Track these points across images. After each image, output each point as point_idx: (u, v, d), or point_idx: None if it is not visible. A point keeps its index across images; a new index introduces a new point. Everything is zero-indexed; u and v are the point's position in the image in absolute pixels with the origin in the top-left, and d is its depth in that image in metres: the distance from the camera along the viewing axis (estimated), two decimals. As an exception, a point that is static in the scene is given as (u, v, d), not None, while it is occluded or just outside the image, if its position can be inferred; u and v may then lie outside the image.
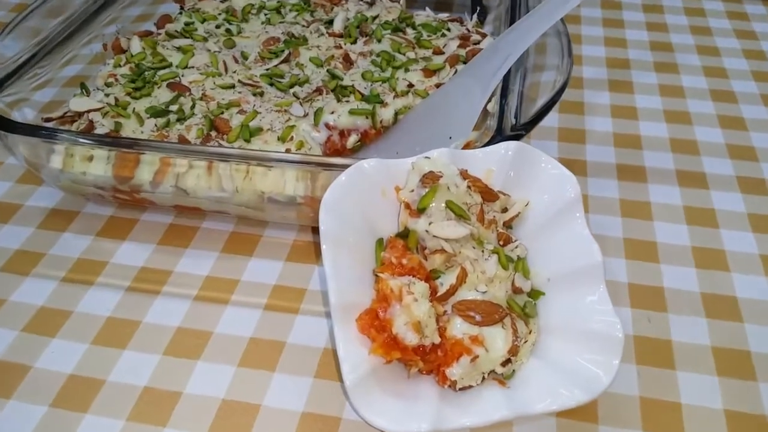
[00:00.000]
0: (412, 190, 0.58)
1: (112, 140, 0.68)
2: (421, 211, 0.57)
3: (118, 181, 0.70)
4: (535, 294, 0.58)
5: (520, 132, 0.65)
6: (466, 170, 0.60)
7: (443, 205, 0.56)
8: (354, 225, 0.58)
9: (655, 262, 0.72)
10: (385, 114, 0.82)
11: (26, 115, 0.78)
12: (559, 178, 0.59)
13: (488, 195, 0.59)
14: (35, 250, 0.74)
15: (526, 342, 0.55)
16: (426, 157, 0.59)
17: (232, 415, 0.58)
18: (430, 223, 0.56)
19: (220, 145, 0.74)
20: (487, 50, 0.77)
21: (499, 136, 0.64)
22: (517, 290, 0.56)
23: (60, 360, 0.62)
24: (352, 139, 0.80)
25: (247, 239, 0.75)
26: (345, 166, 0.60)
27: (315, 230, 0.75)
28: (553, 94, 0.68)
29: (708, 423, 0.58)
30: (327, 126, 0.79)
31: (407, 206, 0.58)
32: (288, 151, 0.74)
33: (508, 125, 0.66)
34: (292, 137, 0.75)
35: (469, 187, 0.58)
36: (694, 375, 0.61)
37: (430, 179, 0.57)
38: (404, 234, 0.58)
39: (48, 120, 0.78)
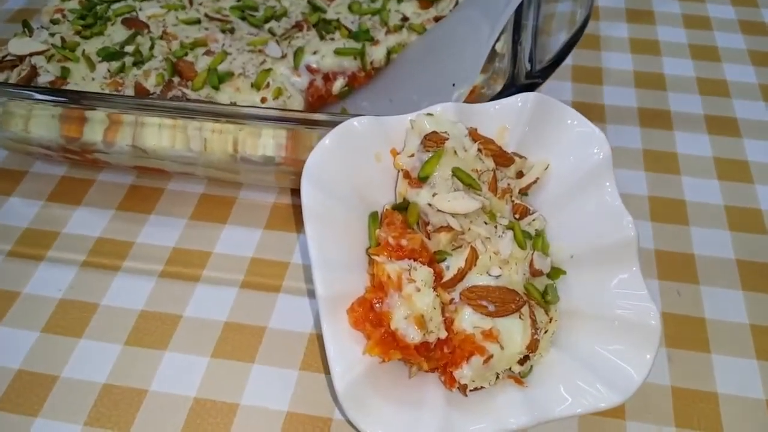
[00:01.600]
0: (412, 155, 0.48)
1: (51, 93, 0.57)
2: (422, 180, 0.47)
3: (65, 140, 0.59)
4: (555, 273, 0.50)
5: (536, 80, 0.55)
6: (476, 129, 0.50)
7: (449, 172, 0.47)
8: (342, 196, 0.48)
9: (684, 224, 0.63)
10: (376, 53, 0.71)
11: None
12: (586, 137, 0.50)
13: (502, 159, 0.49)
14: (-25, 222, 0.64)
15: (546, 332, 0.47)
16: (428, 114, 0.49)
17: (206, 416, 0.50)
18: (433, 195, 0.47)
19: (184, 95, 0.63)
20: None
21: (513, 86, 0.54)
22: (536, 273, 0.48)
23: (5, 353, 0.54)
24: (338, 84, 0.70)
25: (219, 202, 0.65)
26: (332, 124, 0.50)
27: (297, 192, 0.65)
28: (573, 33, 0.58)
29: (749, 415, 0.51)
30: (309, 69, 0.69)
31: (406, 174, 0.48)
32: (264, 100, 0.64)
33: (523, 71, 0.56)
34: (269, 84, 0.65)
35: (479, 150, 0.48)
36: (731, 359, 0.54)
37: (434, 142, 0.47)
38: (403, 206, 0.48)
39: (-19, 65, 0.67)
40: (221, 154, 0.58)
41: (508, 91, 0.53)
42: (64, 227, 0.63)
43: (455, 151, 0.47)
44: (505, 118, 0.51)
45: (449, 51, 0.65)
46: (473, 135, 0.49)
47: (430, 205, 0.47)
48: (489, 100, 0.53)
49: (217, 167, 0.61)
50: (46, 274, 0.59)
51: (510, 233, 0.47)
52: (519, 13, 0.63)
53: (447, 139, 0.47)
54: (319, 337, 0.55)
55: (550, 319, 0.48)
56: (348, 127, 0.49)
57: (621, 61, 0.81)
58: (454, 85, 0.61)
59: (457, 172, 0.47)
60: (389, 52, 0.72)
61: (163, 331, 0.55)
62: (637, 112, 0.74)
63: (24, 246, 0.61)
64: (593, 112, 0.74)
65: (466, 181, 0.47)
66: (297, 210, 0.64)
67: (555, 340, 0.48)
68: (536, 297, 0.47)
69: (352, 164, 0.49)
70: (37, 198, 0.66)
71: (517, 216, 0.49)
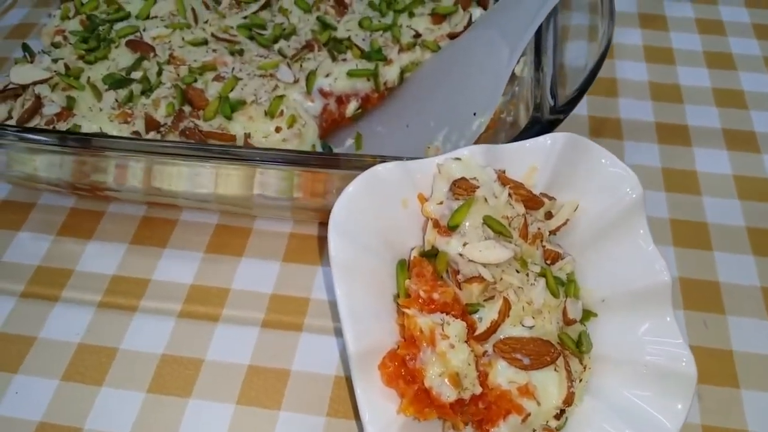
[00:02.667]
0: (441, 202, 0.47)
1: (63, 139, 0.55)
2: (452, 228, 0.46)
3: (75, 180, 0.58)
4: (585, 315, 0.49)
5: (560, 116, 0.53)
6: (504, 171, 0.49)
7: (480, 220, 0.46)
8: (369, 244, 0.47)
9: (708, 249, 0.62)
10: (390, 74, 0.69)
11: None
12: (618, 177, 0.49)
13: (532, 203, 0.48)
14: (-16, 257, 0.62)
15: (580, 381, 0.47)
16: (455, 158, 0.48)
17: (234, 467, 0.50)
18: (464, 244, 0.45)
19: (196, 126, 0.61)
20: (512, -3, 0.64)
21: (538, 123, 0.52)
22: (569, 321, 0.47)
23: (26, 404, 0.53)
24: (351, 107, 0.68)
25: (235, 233, 0.64)
26: (354, 165, 0.49)
27: (314, 221, 0.64)
28: (595, 64, 0.56)
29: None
30: (321, 92, 0.67)
31: (435, 222, 0.47)
32: (278, 129, 0.62)
33: (546, 105, 0.54)
34: (282, 111, 0.63)
35: (509, 195, 0.47)
36: (761, 394, 0.53)
37: (464, 189, 0.46)
38: (431, 254, 0.47)
39: (-16, 97, 0.64)
40: (236, 193, 0.57)
41: (533, 128, 0.52)
42: (77, 264, 0.62)
43: (485, 199, 0.46)
44: (534, 158, 0.50)
45: (466, 73, 0.64)
46: (503, 179, 0.48)
47: (461, 255, 0.45)
48: (514, 138, 0.51)
49: (231, 204, 0.59)
50: (62, 316, 0.58)
51: (542, 281, 0.46)
52: (538, 35, 0.61)
53: (477, 187, 0.46)
54: (347, 380, 0.54)
55: (584, 368, 0.47)
56: (373, 174, 0.48)
57: (635, 70, 0.80)
58: (475, 114, 0.59)
59: (488, 221, 0.46)
60: (402, 71, 0.70)
61: (186, 377, 0.54)
62: (655, 128, 0.73)
63: (37, 286, 0.60)
64: (609, 128, 0.73)
65: (497, 229, 0.46)
66: (315, 240, 0.63)
67: (587, 387, 0.47)
68: (570, 347, 0.46)
69: (379, 211, 0.48)
70: (47, 232, 0.64)
71: (548, 262, 0.48)
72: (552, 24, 0.63)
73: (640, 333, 0.47)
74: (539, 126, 0.52)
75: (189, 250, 0.63)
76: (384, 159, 0.50)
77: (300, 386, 0.54)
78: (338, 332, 0.57)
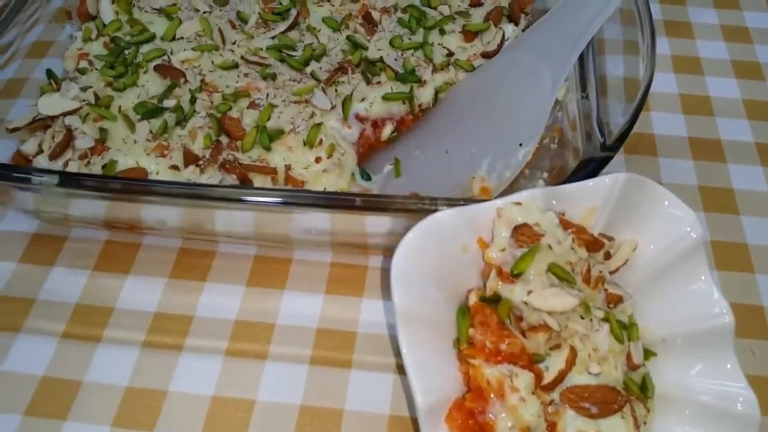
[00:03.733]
0: (503, 249, 0.46)
1: (100, 184, 0.53)
2: (516, 276, 0.46)
3: (112, 220, 0.57)
4: (645, 354, 0.49)
5: (610, 154, 0.52)
6: (563, 214, 0.49)
7: (544, 267, 0.46)
8: (431, 291, 0.47)
9: (750, 272, 0.63)
10: (424, 95, 0.68)
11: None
12: (678, 218, 0.49)
13: (594, 246, 0.48)
14: (21, 295, 0.61)
15: (645, 424, 0.47)
16: (516, 203, 0.47)
17: None
18: (529, 292, 0.45)
19: (235, 159, 0.60)
20: (552, 19, 0.63)
21: (591, 161, 0.52)
22: (633, 366, 0.47)
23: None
24: (387, 130, 0.67)
25: (274, 265, 0.63)
26: (408, 210, 0.49)
27: (353, 250, 0.64)
28: (641, 95, 0.55)
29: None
30: (357, 118, 0.66)
31: (499, 270, 0.46)
32: (318, 160, 0.61)
33: (597, 141, 0.54)
34: (321, 140, 0.62)
35: (572, 240, 0.47)
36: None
37: (528, 237, 0.46)
38: (493, 300, 0.47)
39: (14, 130, 0.63)
40: (282, 233, 0.56)
41: (587, 167, 0.51)
42: (116, 301, 0.60)
43: (550, 246, 0.46)
44: (594, 199, 0.49)
45: (507, 99, 0.63)
46: (564, 223, 0.47)
47: (526, 303, 0.45)
48: (567, 178, 0.51)
49: (273, 240, 0.58)
50: (107, 357, 0.57)
51: (606, 327, 0.46)
52: (582, 64, 0.60)
53: (541, 235, 0.45)
54: (399, 419, 0.54)
55: (648, 410, 0.47)
56: (433, 221, 0.47)
57: (665, 81, 0.79)
58: (521, 144, 0.58)
59: (553, 268, 0.45)
60: (436, 92, 0.69)
61: (238, 420, 0.54)
62: (688, 143, 0.73)
63: (78, 325, 0.59)
64: (644, 144, 0.72)
65: (561, 276, 0.45)
66: (355, 270, 0.62)
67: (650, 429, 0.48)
68: (635, 392, 0.46)
69: (439, 257, 0.47)
70: (82, 267, 0.63)
71: (610, 305, 0.48)
72: (591, 46, 0.62)
73: (701, 373, 0.47)
74: (593, 164, 0.52)
75: (230, 284, 0.62)
76: (436, 201, 0.50)
77: (354, 428, 0.53)
78: (388, 368, 0.56)
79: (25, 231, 0.65)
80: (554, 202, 0.48)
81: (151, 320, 0.59)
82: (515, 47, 0.66)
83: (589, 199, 0.49)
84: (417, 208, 0.49)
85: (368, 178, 0.64)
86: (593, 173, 0.50)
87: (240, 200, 0.51)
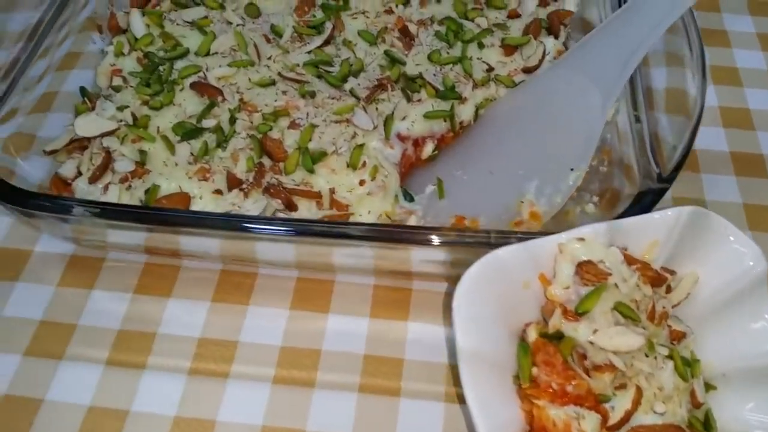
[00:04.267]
0: (568, 287, 0.46)
1: (145, 215, 0.53)
2: (581, 314, 0.45)
3: (153, 247, 0.56)
4: (705, 387, 0.48)
5: (666, 186, 0.51)
6: (626, 249, 0.48)
7: (609, 305, 0.45)
8: (492, 328, 0.46)
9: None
10: (465, 112, 0.67)
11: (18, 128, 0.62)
12: (741, 251, 0.48)
13: (657, 281, 0.47)
14: (62, 320, 0.60)
15: (707, 461, 0.46)
16: (578, 239, 0.47)
17: None
18: (594, 331, 0.44)
19: (279, 183, 0.59)
20: (599, 36, 0.62)
21: (650, 193, 0.51)
22: (697, 404, 0.46)
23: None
24: (428, 149, 0.66)
25: (317, 288, 0.62)
26: (471, 243, 0.48)
27: (397, 273, 0.63)
28: (694, 124, 0.54)
29: None
30: (399, 137, 0.65)
31: (563, 308, 0.46)
32: (362, 183, 0.60)
33: (653, 172, 0.53)
34: (365, 162, 0.61)
35: (637, 277, 0.46)
36: None
37: (593, 275, 0.45)
38: (555, 337, 0.46)
39: (52, 152, 0.61)
40: (326, 261, 0.55)
41: (644, 199, 0.50)
42: (159, 325, 0.60)
43: (616, 285, 0.45)
44: (657, 233, 0.48)
45: (554, 120, 0.62)
46: (628, 259, 0.47)
47: (591, 342, 0.44)
48: (625, 211, 0.50)
49: (317, 269, 0.58)
50: (153, 386, 0.56)
51: (671, 364, 0.46)
52: (633, 86, 0.59)
53: (609, 274, 0.45)
54: (453, 450, 0.53)
55: (710, 448, 0.47)
56: (495, 258, 0.46)
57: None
58: (572, 169, 0.57)
59: (619, 307, 0.45)
60: (477, 109, 0.68)
61: (291, 452, 0.53)
62: (730, 158, 0.72)
63: (122, 352, 0.58)
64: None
65: (627, 314, 0.45)
66: (398, 293, 0.62)
67: (710, 463, 0.47)
68: (699, 430, 0.46)
69: (500, 294, 0.46)
70: (122, 290, 0.62)
71: (674, 342, 0.48)
72: (639, 68, 0.61)
73: (755, 409, 0.47)
74: (649, 197, 0.51)
75: (273, 308, 0.61)
76: (489, 234, 0.49)
77: (408, 458, 0.53)
78: (438, 395, 0.56)
79: (62, 253, 0.64)
80: (616, 235, 0.48)
81: (196, 346, 0.59)
82: (561, 64, 0.64)
83: (652, 233, 0.48)
84: (474, 241, 0.49)
85: (411, 200, 0.63)
86: (650, 206, 0.50)
87: (298, 233, 0.50)
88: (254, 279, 0.63)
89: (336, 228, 0.51)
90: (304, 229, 0.51)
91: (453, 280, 0.47)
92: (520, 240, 0.47)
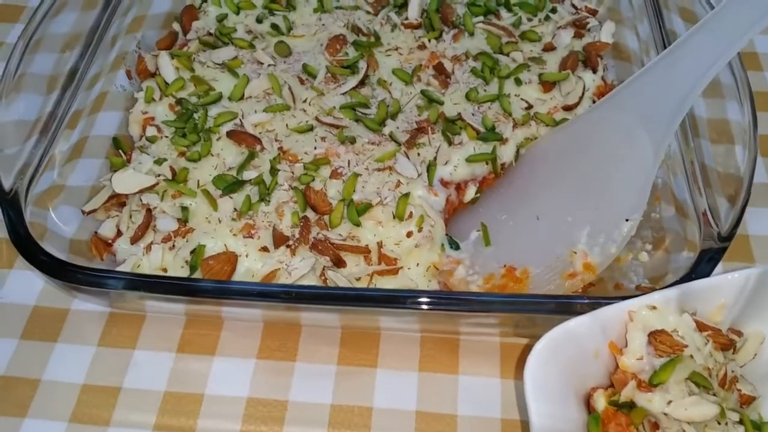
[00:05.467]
0: (641, 357, 0.45)
1: (188, 287, 0.51)
2: (655, 386, 0.44)
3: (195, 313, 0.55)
4: (769, 446, 0.48)
5: (726, 245, 0.50)
6: (695, 313, 0.47)
7: (683, 375, 0.44)
8: (563, 401, 0.45)
9: None
10: (506, 153, 0.66)
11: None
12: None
13: (727, 346, 0.46)
14: (104, 383, 0.59)
15: None
16: (650, 306, 0.46)
17: None
18: (668, 402, 0.44)
19: (326, 239, 0.57)
20: (648, 75, 0.60)
21: (711, 252, 0.50)
22: (770, 470, 0.46)
23: None
24: (470, 192, 0.65)
25: (364, 341, 0.61)
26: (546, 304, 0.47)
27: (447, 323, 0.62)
28: (749, 179, 0.53)
29: None
30: (442, 182, 0.63)
31: (636, 379, 0.45)
32: (410, 234, 0.59)
33: (713, 229, 0.52)
34: (411, 213, 0.60)
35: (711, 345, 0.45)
36: None
37: (668, 346, 0.44)
38: (626, 405, 0.45)
39: (91, 212, 0.60)
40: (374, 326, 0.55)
41: (705, 259, 0.49)
42: (205, 386, 0.58)
43: (691, 355, 0.44)
44: (725, 295, 0.47)
45: (603, 165, 0.61)
46: (700, 326, 0.46)
47: (665, 414, 0.44)
48: (688, 273, 0.49)
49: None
50: (204, 451, 0.55)
51: (741, 430, 0.45)
52: (685, 131, 0.58)
53: (685, 346, 0.44)
54: None
55: None
56: (565, 330, 0.45)
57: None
58: (627, 219, 0.56)
59: (694, 377, 0.44)
60: (518, 148, 0.66)
61: None
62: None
63: (170, 416, 0.57)
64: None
65: (701, 383, 0.44)
66: (449, 345, 0.60)
67: None
68: (774, 496, 0.45)
69: (571, 366, 0.45)
70: (166, 349, 0.60)
71: (743, 406, 0.47)
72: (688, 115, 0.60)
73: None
74: (711, 256, 0.50)
75: (320, 364, 0.60)
76: (575, 305, 0.48)
77: None
78: (496, 455, 0.55)
79: (100, 311, 0.63)
80: (683, 299, 0.47)
81: (244, 407, 0.57)
82: (606, 104, 0.63)
83: (721, 295, 0.47)
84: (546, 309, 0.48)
85: (456, 247, 0.62)
86: (712, 266, 0.49)
87: (362, 304, 0.49)
88: (298, 333, 0.61)
89: (411, 298, 0.50)
90: (375, 302, 0.50)
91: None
92: (589, 304, 0.46)
